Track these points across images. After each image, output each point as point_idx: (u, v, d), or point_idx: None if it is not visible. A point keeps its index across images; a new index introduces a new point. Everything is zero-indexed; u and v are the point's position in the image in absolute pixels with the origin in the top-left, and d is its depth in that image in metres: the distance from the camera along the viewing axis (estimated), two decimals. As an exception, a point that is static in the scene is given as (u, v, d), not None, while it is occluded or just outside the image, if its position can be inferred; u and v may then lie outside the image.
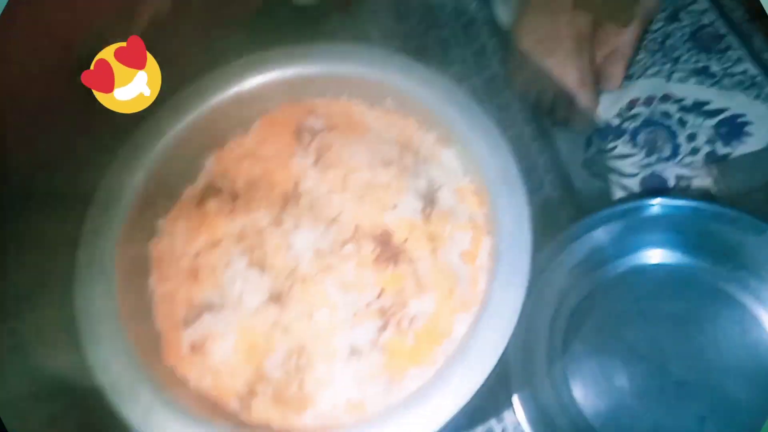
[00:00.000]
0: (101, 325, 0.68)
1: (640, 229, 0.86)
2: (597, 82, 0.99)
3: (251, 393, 0.69)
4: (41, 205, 0.76)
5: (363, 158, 0.73)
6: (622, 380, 0.83)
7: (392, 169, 0.73)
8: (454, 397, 0.59)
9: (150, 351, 0.71)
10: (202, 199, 0.77)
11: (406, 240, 0.69)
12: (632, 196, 0.92)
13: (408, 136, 0.79)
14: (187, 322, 0.72)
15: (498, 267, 0.64)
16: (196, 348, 0.71)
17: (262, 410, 0.67)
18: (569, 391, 0.83)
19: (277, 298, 0.69)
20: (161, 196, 0.79)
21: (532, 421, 0.77)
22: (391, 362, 0.66)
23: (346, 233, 0.71)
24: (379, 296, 0.68)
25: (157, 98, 0.81)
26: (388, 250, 0.69)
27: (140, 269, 0.76)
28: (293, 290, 0.69)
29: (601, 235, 0.86)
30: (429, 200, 0.72)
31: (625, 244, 0.87)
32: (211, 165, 0.82)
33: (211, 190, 0.77)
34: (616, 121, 0.97)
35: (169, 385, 0.68)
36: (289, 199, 0.74)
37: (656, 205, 0.86)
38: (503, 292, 0.63)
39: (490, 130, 0.71)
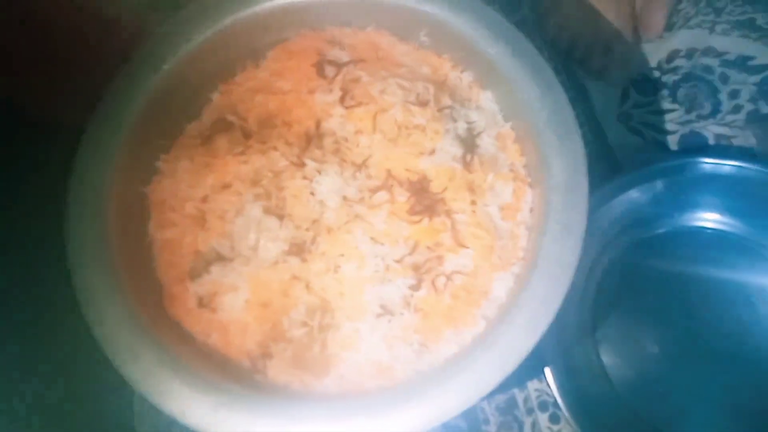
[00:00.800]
0: (95, 275, 0.60)
1: (678, 190, 0.80)
2: (636, 30, 0.92)
3: (266, 353, 0.62)
4: (30, 134, 0.66)
5: (395, 96, 0.65)
6: (652, 347, 0.79)
7: (428, 109, 0.65)
8: (498, 367, 0.53)
9: (151, 304, 0.63)
10: (209, 136, 0.68)
11: (444, 189, 0.62)
12: (670, 155, 0.86)
13: (442, 75, 0.71)
14: (194, 273, 0.64)
15: (548, 223, 0.58)
16: (204, 302, 0.63)
17: (278, 372, 0.60)
18: (599, 357, 0.78)
19: (297, 249, 0.62)
20: (160, 133, 0.70)
21: (563, 390, 0.73)
22: (425, 323, 0.59)
23: (376, 179, 0.63)
24: (412, 250, 0.61)
25: (156, 17, 0.72)
26: (424, 200, 0.61)
27: (137, 213, 0.68)
28: (316, 241, 0.61)
29: (637, 194, 0.81)
30: (469, 146, 0.65)
31: (662, 205, 0.81)
32: (218, 98, 0.73)
33: (220, 126, 0.68)
34: (655, 74, 0.90)
35: (173, 342, 0.61)
36: (311, 139, 0.65)
37: (696, 164, 0.80)
38: (556, 250, 0.56)
39: (542, 68, 0.63)
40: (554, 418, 0.78)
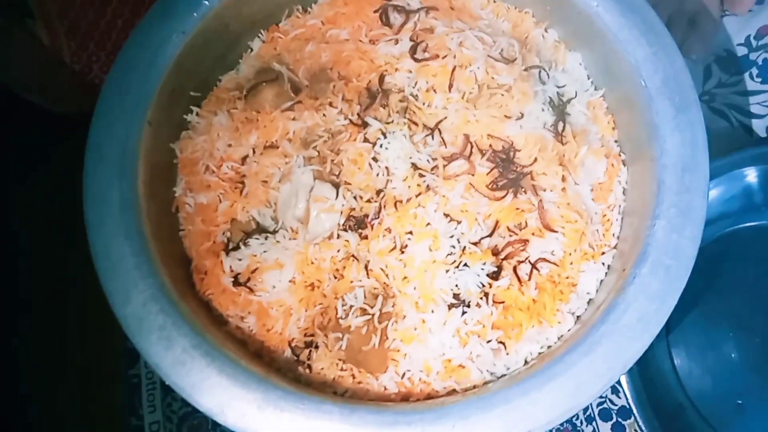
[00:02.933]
0: (118, 241, 0.50)
1: (769, 182, 0.71)
2: (722, 2, 0.82)
3: (311, 343, 0.53)
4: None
5: (476, 50, 0.55)
6: (731, 354, 0.70)
7: (515, 67, 0.55)
8: (600, 376, 0.44)
9: (178, 279, 0.54)
10: (252, 89, 0.58)
11: (533, 161, 0.52)
12: (760, 141, 0.76)
13: (523, 31, 0.61)
14: (229, 246, 0.55)
15: (661, 206, 0.49)
16: (241, 280, 0.54)
17: (326, 366, 0.51)
18: (672, 362, 0.70)
19: (356, 223, 0.52)
20: (192, 82, 0.60)
21: (637, 397, 0.64)
22: (505, 318, 0.50)
23: (452, 146, 0.53)
24: (493, 231, 0.52)
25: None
26: (509, 172, 0.52)
27: (164, 173, 0.58)
28: (380, 215, 0.52)
29: (723, 184, 0.71)
30: (560, 113, 0.55)
31: (751, 199, 0.72)
32: (260, 47, 0.63)
33: (264, 77, 0.58)
34: (742, 51, 0.81)
35: (204, 324, 0.52)
36: (375, 96, 0.56)
37: (792, 153, 0.71)
38: (672, 240, 0.47)
39: (654, 24, 0.53)
40: (618, 428, 0.70)
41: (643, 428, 0.63)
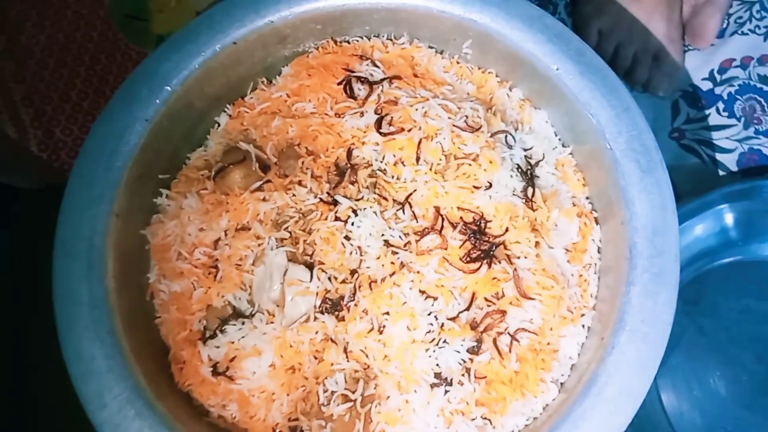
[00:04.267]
0: (87, 345, 0.49)
1: (745, 217, 0.72)
2: (683, 38, 0.83)
3: (296, 429, 0.52)
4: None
5: (440, 120, 0.55)
6: (718, 389, 0.70)
7: (480, 135, 0.55)
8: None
9: (155, 371, 0.53)
10: (220, 169, 0.58)
11: (506, 231, 0.52)
12: (733, 178, 0.77)
13: (488, 92, 0.62)
14: (206, 334, 0.54)
15: (635, 272, 0.49)
16: (220, 368, 0.53)
17: (312, 453, 0.51)
18: (659, 398, 0.70)
19: (332, 305, 0.52)
20: (160, 164, 0.60)
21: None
22: (488, 393, 0.50)
23: (423, 220, 0.53)
24: (470, 305, 0.51)
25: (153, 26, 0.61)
26: (482, 244, 0.52)
27: (136, 262, 0.57)
28: (356, 296, 0.51)
29: (700, 223, 0.72)
30: (528, 177, 0.55)
31: (727, 235, 0.73)
32: (227, 123, 0.63)
33: (232, 156, 0.58)
34: (707, 85, 0.82)
35: (183, 420, 0.51)
36: (344, 172, 0.55)
37: (764, 188, 0.71)
38: (648, 306, 0.47)
39: (616, 87, 0.54)
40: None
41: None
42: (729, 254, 0.73)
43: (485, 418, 0.50)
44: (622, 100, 0.53)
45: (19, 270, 0.67)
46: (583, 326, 0.54)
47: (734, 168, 0.78)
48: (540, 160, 0.57)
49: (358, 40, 0.63)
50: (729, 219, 0.72)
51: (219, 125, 0.63)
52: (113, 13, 0.75)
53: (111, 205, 0.54)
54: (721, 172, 0.78)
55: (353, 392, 0.49)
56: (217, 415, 0.54)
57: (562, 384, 0.51)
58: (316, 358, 0.52)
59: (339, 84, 0.60)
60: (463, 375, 0.50)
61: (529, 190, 0.54)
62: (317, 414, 0.50)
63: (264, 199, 0.56)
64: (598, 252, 0.56)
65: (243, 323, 0.54)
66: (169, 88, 0.57)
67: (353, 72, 0.60)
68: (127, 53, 0.73)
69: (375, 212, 0.53)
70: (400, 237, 0.52)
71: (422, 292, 0.51)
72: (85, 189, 0.54)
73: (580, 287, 0.54)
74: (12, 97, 0.63)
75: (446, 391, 0.49)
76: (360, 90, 0.59)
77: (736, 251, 0.73)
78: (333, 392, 0.50)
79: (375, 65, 0.60)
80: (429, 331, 0.50)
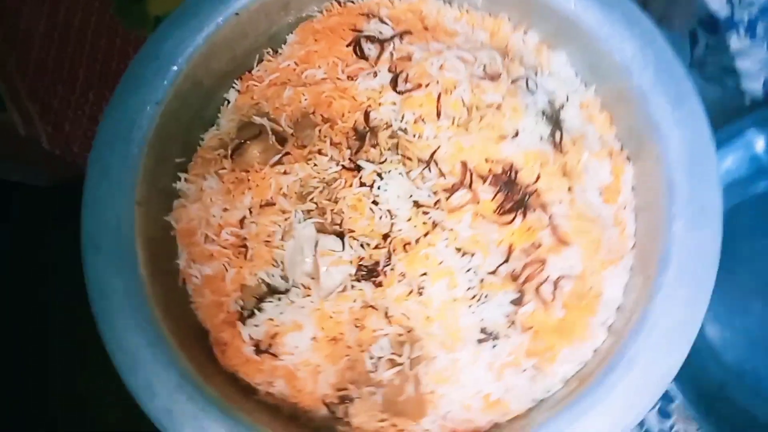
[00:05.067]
0: (130, 336, 0.49)
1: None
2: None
3: (346, 397, 0.52)
4: None
5: (458, 71, 0.53)
6: (761, 320, 0.70)
7: (501, 83, 0.53)
8: (645, 390, 0.44)
9: (199, 357, 0.53)
10: (237, 146, 0.56)
11: (537, 178, 0.51)
12: (757, 103, 0.75)
13: (503, 39, 0.59)
14: (244, 313, 0.54)
15: (676, 205, 0.47)
16: (262, 346, 0.53)
17: (366, 419, 0.51)
18: (704, 334, 0.69)
19: (368, 272, 0.51)
20: (175, 148, 0.58)
21: (679, 384, 0.63)
22: (536, 343, 0.49)
23: (451, 176, 0.52)
24: (508, 257, 0.50)
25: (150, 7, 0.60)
26: (514, 194, 0.51)
27: (164, 249, 0.57)
28: (391, 260, 0.50)
29: (730, 153, 0.70)
30: (554, 122, 0.54)
31: (759, 163, 0.71)
32: (237, 99, 0.61)
33: (247, 132, 0.57)
34: (725, 11, 0.79)
35: (234, 400, 0.51)
36: (364, 136, 0.54)
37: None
38: (694, 241, 0.46)
39: (637, 17, 0.52)
40: (664, 414, 0.69)
41: (689, 410, 0.63)
42: (762, 183, 0.71)
43: (535, 368, 0.49)
44: (646, 31, 0.51)
45: (25, 265, 0.67)
46: (625, 267, 0.53)
47: (759, 92, 0.76)
48: (564, 103, 0.55)
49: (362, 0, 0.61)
50: (760, 146, 0.70)
51: (229, 102, 0.62)
52: (110, -3, 0.72)
53: (132, 193, 0.53)
54: (747, 102, 0.75)
55: (400, 356, 0.49)
56: (265, 392, 0.53)
57: (609, 327, 0.51)
58: (357, 326, 0.52)
59: (348, 46, 0.58)
60: (508, 328, 0.49)
61: (557, 135, 0.53)
62: (366, 381, 0.50)
63: (285, 172, 0.54)
64: (633, 191, 0.55)
65: (279, 299, 0.53)
66: (175, 67, 0.55)
67: (361, 32, 0.58)
68: (126, 38, 0.71)
69: (400, 173, 0.52)
70: (429, 196, 0.51)
71: (458, 249, 0.50)
72: (104, 180, 0.53)
73: (617, 228, 0.53)
74: (18, 93, 0.61)
75: (493, 346, 0.49)
76: (370, 50, 0.57)
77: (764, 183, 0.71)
78: (379, 358, 0.49)
79: (383, 22, 0.58)
80: (469, 288, 0.49)
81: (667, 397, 0.68)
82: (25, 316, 0.69)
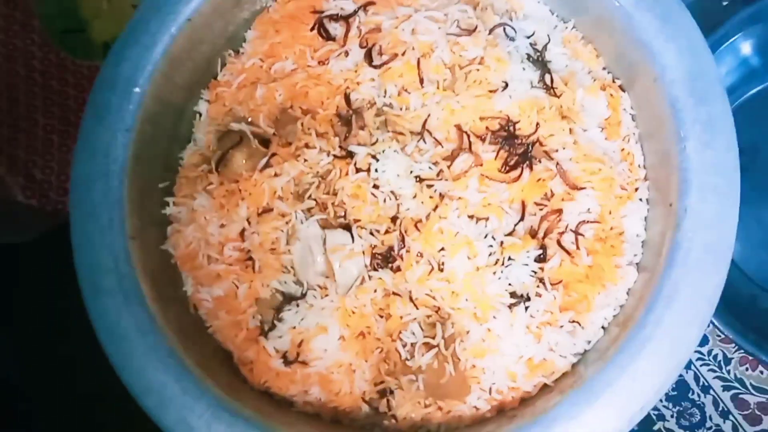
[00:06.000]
0: (153, 375, 0.47)
1: (764, 40, 0.67)
2: None
3: (386, 391, 0.50)
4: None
5: (431, 32, 0.51)
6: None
7: (479, 35, 0.51)
8: (692, 320, 0.42)
9: (228, 380, 0.51)
10: (221, 159, 0.53)
11: (537, 127, 0.49)
12: (735, 4, 0.72)
13: (469, -10, 0.56)
14: (265, 327, 0.52)
15: (685, 126, 0.45)
16: (290, 357, 0.51)
17: (410, 409, 0.49)
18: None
19: (384, 259, 0.49)
20: (155, 172, 0.56)
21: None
22: (569, 296, 0.48)
23: (448, 143, 0.49)
24: (523, 214, 0.48)
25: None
26: (516, 148, 0.48)
27: (167, 279, 0.54)
28: (405, 242, 0.48)
29: (719, 61, 0.67)
30: (541, 64, 0.51)
31: (748, 66, 0.69)
32: (208, 110, 0.58)
33: (228, 141, 0.54)
34: None
35: (271, 415, 0.49)
36: (349, 120, 0.51)
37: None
38: (710, 160, 0.44)
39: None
40: (701, 341, 0.68)
41: (725, 331, 0.61)
42: (754, 84, 0.70)
43: (573, 321, 0.48)
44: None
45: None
46: (641, 199, 0.51)
47: (736, -7, 0.73)
48: (546, 44, 0.53)
49: (316, -23, 0.58)
50: (746, 48, 0.68)
51: (201, 114, 0.59)
52: (49, 33, 0.69)
53: (123, 229, 0.50)
54: (724, 2, 0.73)
55: (433, 338, 0.47)
56: (302, 402, 0.52)
57: (638, 264, 0.49)
58: (382, 316, 0.50)
59: (311, 30, 0.55)
60: (538, 286, 0.47)
61: (547, 77, 0.50)
62: (404, 370, 0.48)
63: (276, 174, 0.52)
64: (633, 120, 0.53)
65: (298, 305, 0.51)
66: (137, 89, 0.52)
67: (322, 12, 0.55)
68: (78, 71, 0.68)
69: (395, 151, 0.49)
70: (429, 168, 0.49)
71: (471, 216, 0.48)
72: (90, 221, 0.50)
73: (626, 161, 0.51)
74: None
75: (526, 308, 0.47)
76: (336, 29, 0.54)
77: (761, 79, 0.70)
78: (413, 344, 0.48)
79: (343, -2, 0.55)
80: (491, 254, 0.47)
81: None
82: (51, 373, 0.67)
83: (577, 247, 0.48)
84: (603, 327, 0.48)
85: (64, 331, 0.62)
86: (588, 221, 0.49)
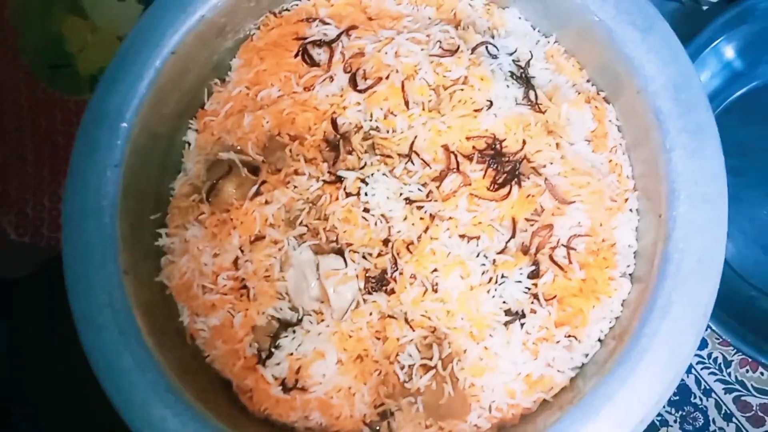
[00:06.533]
0: (153, 411, 0.47)
1: (746, 42, 0.68)
2: None
3: (386, 413, 0.50)
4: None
5: (414, 54, 0.51)
6: (765, 218, 0.68)
7: (462, 55, 0.51)
8: (689, 327, 0.42)
9: (227, 410, 0.51)
10: (211, 189, 0.53)
11: (523, 144, 0.49)
12: (716, 9, 0.73)
13: (450, 8, 0.57)
14: (262, 354, 0.52)
15: (669, 136, 0.46)
16: (289, 383, 0.51)
17: (410, 430, 0.49)
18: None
19: (377, 283, 0.49)
20: (146, 205, 0.56)
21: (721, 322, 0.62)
22: (565, 311, 0.48)
23: (437, 163, 0.50)
24: (514, 231, 0.48)
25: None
26: (504, 166, 0.49)
27: (163, 311, 0.54)
28: (397, 264, 0.48)
29: (702, 65, 0.68)
30: (525, 81, 0.51)
31: (731, 68, 0.69)
32: (197, 139, 0.59)
33: (218, 171, 0.54)
34: None
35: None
36: (336, 145, 0.51)
37: (755, 6, 0.67)
38: (697, 167, 0.44)
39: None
40: (700, 345, 0.68)
41: (721, 334, 0.61)
42: (739, 87, 0.70)
43: (569, 336, 0.48)
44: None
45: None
46: (631, 210, 0.51)
47: (715, -1, 0.74)
48: (529, 60, 0.53)
49: (297, 5, 0.58)
50: (729, 51, 0.68)
51: (190, 144, 0.59)
52: (35, 69, 0.69)
53: (116, 264, 0.51)
54: (704, 7, 0.73)
55: (431, 359, 0.47)
56: (303, 428, 0.52)
57: (631, 275, 0.49)
58: (379, 338, 0.50)
59: (295, 56, 0.55)
60: (532, 303, 0.47)
61: (531, 94, 0.50)
62: (402, 392, 0.48)
63: (267, 202, 0.52)
64: (619, 131, 0.53)
65: (294, 332, 0.51)
66: (125, 123, 0.52)
67: (305, 38, 0.55)
68: (66, 106, 0.68)
69: (384, 174, 0.50)
70: (419, 190, 0.49)
71: (462, 236, 0.48)
72: (83, 258, 0.50)
73: (614, 173, 0.52)
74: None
75: (522, 324, 0.47)
76: (320, 54, 0.55)
77: (746, 80, 0.70)
78: (410, 366, 0.48)
79: (325, 23, 0.55)
80: (484, 272, 0.47)
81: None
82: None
83: (570, 262, 0.48)
84: (600, 340, 0.49)
85: (59, 365, 0.61)
86: (579, 235, 0.49)
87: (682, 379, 0.67)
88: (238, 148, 0.55)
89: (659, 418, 0.66)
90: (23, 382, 0.67)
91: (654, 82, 0.46)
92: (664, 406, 0.66)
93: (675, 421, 0.66)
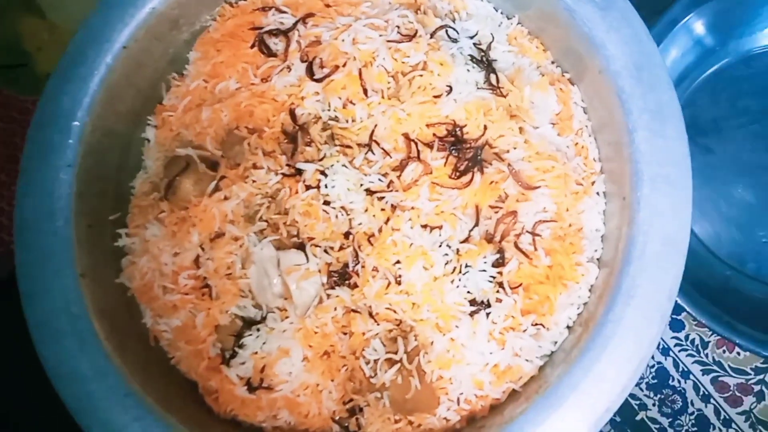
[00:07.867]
0: (114, 417, 0.45)
1: (716, 18, 0.67)
2: None
3: (354, 409, 0.49)
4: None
5: (372, 41, 0.49)
6: (747, 198, 0.68)
7: (420, 40, 0.49)
8: (654, 311, 0.41)
9: (193, 411, 0.50)
10: (169, 186, 0.52)
11: (485, 129, 0.48)
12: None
13: (410, -8, 0.55)
14: (226, 354, 0.50)
15: (632, 116, 0.44)
16: (254, 383, 0.50)
17: (380, 426, 0.48)
18: (697, 238, 0.67)
19: (340, 277, 0.48)
20: (105, 205, 0.54)
21: (682, 293, 0.61)
22: (531, 299, 0.47)
23: (396, 153, 0.48)
24: (477, 219, 0.47)
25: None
26: (465, 153, 0.47)
27: (125, 312, 0.53)
28: (359, 258, 0.47)
29: (672, 43, 0.67)
30: (486, 65, 0.50)
31: (702, 46, 0.68)
32: (155, 135, 0.57)
33: (176, 167, 0.52)
34: None
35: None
36: (295, 137, 0.50)
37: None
38: (659, 147, 0.43)
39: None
40: (677, 326, 0.67)
41: (697, 316, 0.60)
42: (710, 63, 0.69)
43: (536, 324, 0.47)
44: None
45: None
46: (598, 193, 0.50)
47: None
48: (491, 42, 0.52)
49: (254, -8, 0.56)
50: (699, 28, 0.67)
51: (149, 141, 0.57)
52: (-9, 70, 0.67)
53: (72, 267, 0.49)
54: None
55: (395, 353, 0.46)
56: (271, 428, 0.51)
57: (598, 260, 0.48)
58: (345, 333, 0.49)
59: (252, 47, 0.54)
60: (497, 292, 0.46)
61: (492, 77, 0.49)
62: (369, 388, 0.47)
63: (226, 198, 0.51)
64: (585, 113, 0.52)
65: (258, 330, 0.50)
66: (77, 122, 0.51)
67: (261, 28, 0.54)
68: (24, 108, 0.66)
69: (344, 165, 0.48)
70: (379, 180, 0.48)
71: (424, 226, 0.47)
72: (38, 261, 0.49)
73: (580, 156, 0.51)
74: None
75: (488, 314, 0.46)
76: (276, 44, 0.53)
77: (717, 57, 0.69)
78: (375, 360, 0.47)
79: (281, 11, 0.54)
80: (447, 263, 0.46)
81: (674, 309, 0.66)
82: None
83: (535, 248, 0.47)
84: (568, 327, 0.48)
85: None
86: (544, 221, 0.48)
87: (660, 362, 0.66)
88: (196, 143, 0.54)
89: (638, 402, 0.65)
90: (23, 383, 0.66)
91: (615, 62, 0.45)
92: (642, 389, 0.65)
93: (654, 405, 0.65)
